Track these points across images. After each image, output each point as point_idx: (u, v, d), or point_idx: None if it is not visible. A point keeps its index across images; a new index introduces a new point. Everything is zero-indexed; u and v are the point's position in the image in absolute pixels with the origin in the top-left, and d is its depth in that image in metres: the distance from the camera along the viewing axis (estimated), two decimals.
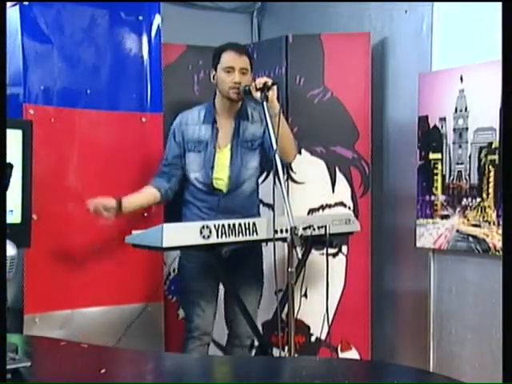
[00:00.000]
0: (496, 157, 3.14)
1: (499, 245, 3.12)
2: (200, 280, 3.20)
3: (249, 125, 3.25)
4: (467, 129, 3.26)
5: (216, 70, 3.19)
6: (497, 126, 3.11)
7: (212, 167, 3.21)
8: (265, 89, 3.03)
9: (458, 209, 3.32)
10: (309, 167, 3.70)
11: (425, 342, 3.56)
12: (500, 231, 3.11)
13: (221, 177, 3.22)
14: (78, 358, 2.04)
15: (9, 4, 3.13)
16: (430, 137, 3.43)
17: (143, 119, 3.51)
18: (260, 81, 3.05)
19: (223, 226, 2.85)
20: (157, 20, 3.54)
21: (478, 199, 3.22)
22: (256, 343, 3.32)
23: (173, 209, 3.41)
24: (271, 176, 3.12)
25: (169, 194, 3.28)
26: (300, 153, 3.65)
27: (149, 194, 3.24)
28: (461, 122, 3.29)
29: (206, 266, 3.13)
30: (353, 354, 3.75)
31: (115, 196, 3.14)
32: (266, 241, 2.98)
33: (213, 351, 3.65)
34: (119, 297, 3.44)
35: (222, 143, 3.23)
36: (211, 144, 3.21)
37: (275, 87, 3.06)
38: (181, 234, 2.80)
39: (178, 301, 3.74)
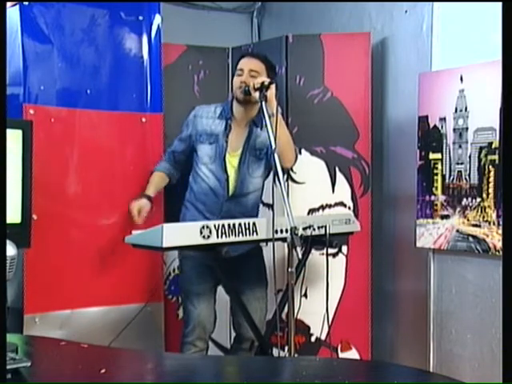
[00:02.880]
0: (496, 157, 3.14)
1: (499, 245, 3.12)
2: (194, 283, 3.21)
3: (260, 132, 3.25)
4: (467, 129, 3.26)
5: (233, 76, 3.27)
6: (497, 126, 3.11)
7: (224, 161, 3.23)
8: (263, 88, 3.04)
9: (458, 209, 3.32)
10: (309, 167, 3.70)
11: (425, 342, 3.56)
12: (500, 231, 3.11)
13: (230, 177, 3.23)
14: (78, 358, 2.04)
15: (9, 4, 3.13)
16: (429, 137, 3.43)
17: (143, 119, 3.51)
18: (258, 80, 3.06)
19: (223, 225, 2.85)
20: (157, 20, 3.54)
21: (478, 199, 3.22)
22: (256, 343, 3.32)
23: (172, 211, 3.41)
24: (271, 176, 3.12)
25: (172, 177, 3.41)
26: (300, 153, 3.65)
27: (160, 180, 3.39)
28: (461, 122, 3.29)
29: (203, 268, 3.13)
30: (353, 354, 3.75)
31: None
32: (266, 241, 2.99)
33: (216, 354, 3.65)
34: (119, 297, 3.44)
35: (233, 148, 3.24)
36: (223, 138, 3.23)
37: (273, 86, 3.06)
38: (181, 233, 2.80)
39: (179, 301, 3.74)
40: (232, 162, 3.25)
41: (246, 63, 3.21)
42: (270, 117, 2.97)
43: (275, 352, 3.28)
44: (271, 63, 3.27)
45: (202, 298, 3.21)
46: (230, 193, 3.23)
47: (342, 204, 3.73)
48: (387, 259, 3.90)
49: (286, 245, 2.88)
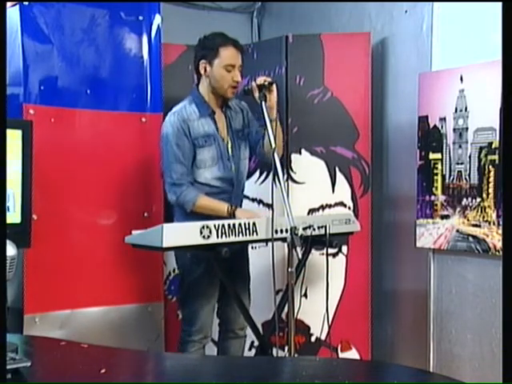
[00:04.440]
0: (496, 157, 3.14)
1: (499, 245, 3.12)
2: (206, 284, 3.17)
3: (234, 114, 3.27)
4: (467, 129, 3.26)
5: (210, 63, 3.11)
6: (497, 126, 3.11)
7: (228, 159, 3.19)
8: (263, 88, 3.03)
9: (458, 209, 3.32)
10: (309, 167, 3.70)
11: (425, 342, 3.56)
12: (500, 231, 3.11)
13: (233, 171, 3.22)
14: (78, 358, 2.04)
15: (9, 4, 3.13)
16: (430, 137, 3.43)
17: (143, 119, 3.51)
18: (259, 80, 3.07)
19: (223, 225, 2.85)
20: (157, 20, 3.55)
21: (478, 199, 3.22)
22: (256, 343, 3.32)
23: (172, 211, 3.40)
24: (271, 176, 3.12)
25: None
26: (300, 153, 3.66)
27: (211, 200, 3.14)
28: (461, 122, 3.29)
29: (210, 269, 3.11)
30: (353, 354, 3.75)
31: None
32: (266, 241, 2.98)
33: (207, 347, 3.65)
34: (119, 297, 3.44)
35: (224, 138, 3.23)
36: (219, 136, 3.18)
37: (274, 88, 3.06)
38: (181, 233, 2.80)
39: (178, 301, 3.74)
40: (230, 153, 3.22)
41: (236, 59, 3.11)
42: (271, 121, 2.98)
43: (275, 352, 3.28)
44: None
45: (209, 298, 3.19)
46: (234, 182, 3.21)
47: (342, 204, 3.73)
48: (387, 259, 3.90)
49: (285, 245, 2.88)
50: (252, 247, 3.37)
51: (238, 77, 3.12)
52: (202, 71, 3.15)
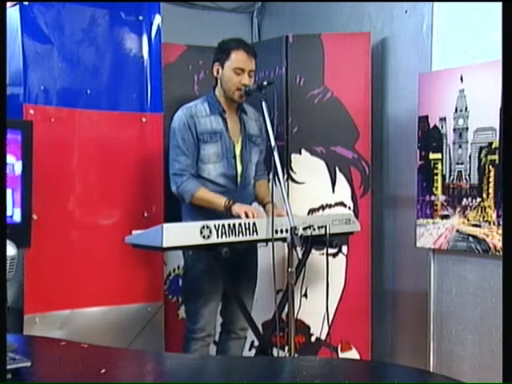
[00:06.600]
0: (496, 157, 3.14)
1: (499, 245, 3.12)
2: (207, 282, 3.17)
3: (249, 120, 3.29)
4: (467, 129, 3.26)
5: (222, 66, 3.17)
6: (497, 126, 3.11)
7: (234, 157, 3.20)
8: (262, 88, 3.04)
9: (458, 209, 3.32)
10: (309, 167, 3.70)
11: (425, 342, 3.56)
12: (500, 231, 3.11)
13: (238, 170, 3.23)
14: (78, 358, 2.04)
15: (9, 4, 3.13)
16: (430, 137, 3.43)
17: (143, 119, 3.51)
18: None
19: (223, 225, 2.85)
20: (157, 20, 3.55)
21: (478, 199, 3.22)
22: (256, 343, 3.32)
23: (172, 211, 3.41)
24: (271, 176, 3.12)
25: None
26: (300, 153, 3.66)
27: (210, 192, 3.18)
28: (461, 122, 3.29)
29: (212, 267, 3.11)
30: (353, 354, 3.75)
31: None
32: (266, 241, 2.98)
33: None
34: (119, 297, 3.44)
35: (234, 138, 3.23)
36: (226, 134, 3.20)
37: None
38: (181, 233, 2.80)
39: (179, 301, 3.74)
40: (236, 153, 3.23)
41: (247, 63, 3.16)
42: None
43: (275, 352, 3.28)
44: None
45: (211, 296, 3.19)
46: (238, 185, 3.21)
47: (342, 204, 3.73)
48: (387, 259, 3.90)
49: (286, 245, 2.88)
50: None
51: (246, 80, 3.13)
52: (215, 73, 3.21)
